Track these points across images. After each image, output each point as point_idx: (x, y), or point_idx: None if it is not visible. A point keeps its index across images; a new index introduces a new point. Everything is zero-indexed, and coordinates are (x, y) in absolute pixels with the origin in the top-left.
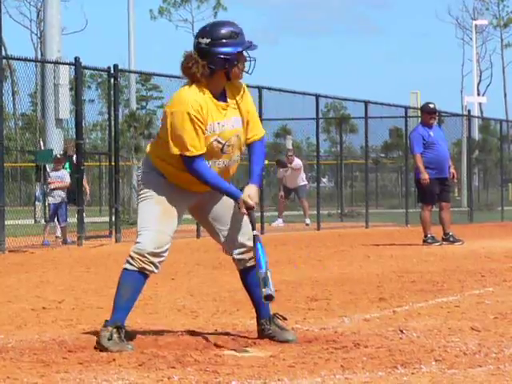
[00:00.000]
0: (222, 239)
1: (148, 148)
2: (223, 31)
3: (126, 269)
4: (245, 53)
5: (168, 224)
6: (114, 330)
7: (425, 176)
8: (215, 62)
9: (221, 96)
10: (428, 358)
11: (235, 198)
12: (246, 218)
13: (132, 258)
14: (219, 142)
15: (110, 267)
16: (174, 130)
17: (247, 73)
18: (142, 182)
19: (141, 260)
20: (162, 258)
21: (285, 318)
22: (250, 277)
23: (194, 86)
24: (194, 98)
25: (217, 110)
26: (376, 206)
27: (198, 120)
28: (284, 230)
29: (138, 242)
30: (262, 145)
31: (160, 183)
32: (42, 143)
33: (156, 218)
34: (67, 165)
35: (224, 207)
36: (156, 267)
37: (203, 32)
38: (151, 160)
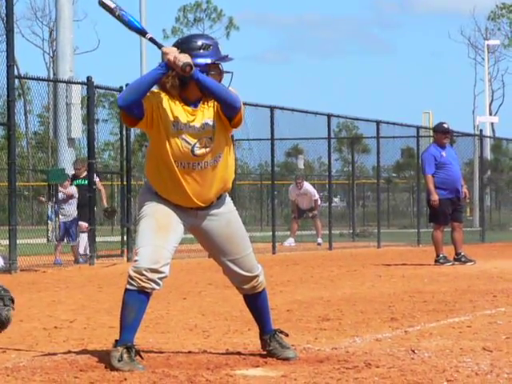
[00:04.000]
0: (222, 266)
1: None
2: (193, 43)
3: (127, 289)
4: (221, 66)
5: (164, 238)
6: (124, 351)
7: (434, 197)
8: None
9: (194, 103)
10: (440, 378)
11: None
12: (243, 250)
13: (131, 277)
14: (187, 142)
15: (122, 286)
16: None
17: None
18: (139, 203)
19: (139, 279)
20: (161, 274)
21: (286, 334)
22: (252, 302)
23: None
24: (156, 90)
25: (183, 112)
26: (388, 226)
27: (150, 96)
28: (296, 250)
29: (135, 261)
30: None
31: (155, 199)
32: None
33: (151, 234)
34: None
35: (222, 239)
36: (157, 284)
37: (176, 44)
38: (147, 179)
